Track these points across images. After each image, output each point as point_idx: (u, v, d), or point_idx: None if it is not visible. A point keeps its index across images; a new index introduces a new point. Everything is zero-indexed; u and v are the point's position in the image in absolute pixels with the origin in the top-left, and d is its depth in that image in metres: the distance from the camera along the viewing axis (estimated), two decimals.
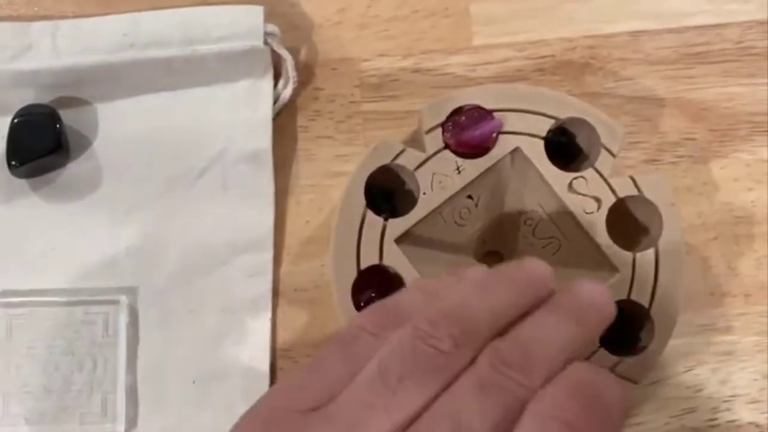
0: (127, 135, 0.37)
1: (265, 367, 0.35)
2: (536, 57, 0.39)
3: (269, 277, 0.36)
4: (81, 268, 0.36)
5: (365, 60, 0.38)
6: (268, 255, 0.36)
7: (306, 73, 0.38)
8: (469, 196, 0.34)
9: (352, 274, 0.32)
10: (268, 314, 0.36)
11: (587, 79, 0.39)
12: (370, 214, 0.33)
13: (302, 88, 0.38)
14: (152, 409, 0.35)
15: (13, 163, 0.35)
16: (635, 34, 0.39)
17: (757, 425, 0.36)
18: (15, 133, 0.35)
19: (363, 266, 0.32)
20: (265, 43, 0.36)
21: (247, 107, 0.37)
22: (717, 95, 0.39)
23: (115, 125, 0.37)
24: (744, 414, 0.36)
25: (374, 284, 0.33)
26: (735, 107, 0.39)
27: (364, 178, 0.33)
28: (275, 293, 0.36)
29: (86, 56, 0.36)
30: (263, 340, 0.36)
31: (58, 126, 0.35)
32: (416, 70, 0.38)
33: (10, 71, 0.36)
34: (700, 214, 0.38)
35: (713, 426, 0.36)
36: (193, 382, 0.35)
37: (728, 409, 0.36)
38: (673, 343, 0.33)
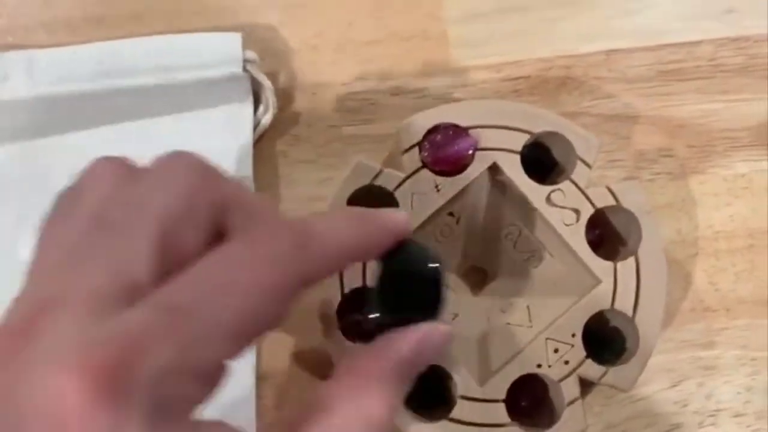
0: None
1: (251, 390, 0.35)
2: (513, 78, 0.39)
3: None
4: None
5: (344, 83, 0.39)
6: None
7: (285, 98, 0.38)
8: (450, 213, 0.34)
9: (336, 298, 0.32)
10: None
11: (564, 98, 0.39)
12: None
13: (282, 113, 0.38)
14: None
15: None
16: (610, 53, 0.40)
17: None
18: None
19: (347, 289, 0.32)
20: (244, 69, 0.36)
21: (227, 134, 0.37)
22: (693, 112, 0.39)
23: (94, 153, 0.37)
24: (729, 428, 0.36)
25: (358, 307, 0.33)
26: (711, 123, 0.39)
27: (345, 199, 0.33)
28: None
29: (62, 85, 0.36)
30: (248, 364, 0.36)
31: None
32: (395, 93, 0.39)
33: None
34: (680, 231, 0.38)
35: None
36: None
37: (713, 424, 0.36)
38: (656, 359, 0.33)
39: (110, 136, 0.37)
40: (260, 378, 0.35)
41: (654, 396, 0.36)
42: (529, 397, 0.33)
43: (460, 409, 0.32)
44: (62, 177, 0.24)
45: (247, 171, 0.37)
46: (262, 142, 0.38)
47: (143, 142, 0.37)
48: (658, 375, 0.36)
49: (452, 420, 0.32)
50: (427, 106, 0.38)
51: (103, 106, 0.36)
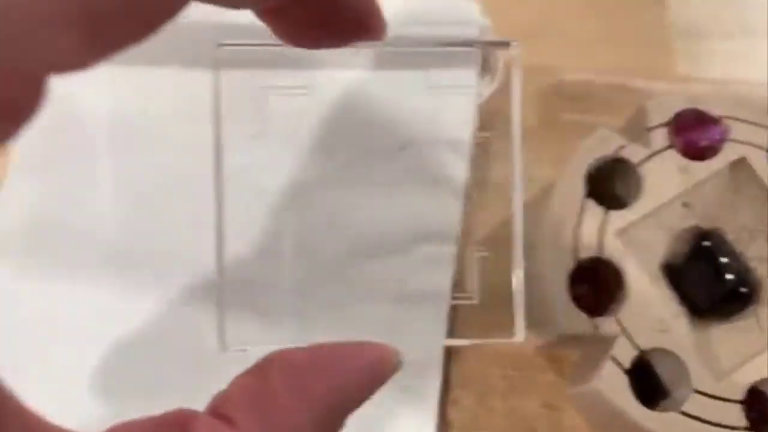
0: (329, 108, 0.35)
1: (437, 363, 0.33)
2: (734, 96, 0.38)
3: (450, 272, 0.34)
4: None
5: (564, 70, 0.38)
6: (452, 248, 0.34)
7: (505, 75, 0.37)
8: (684, 204, 0.33)
9: (568, 265, 0.30)
10: (445, 309, 0.33)
11: None
12: (589, 203, 0.31)
13: (503, 87, 0.37)
14: None
15: None
16: None
17: None
18: None
19: (581, 257, 0.30)
20: (479, 35, 0.36)
21: (451, 95, 0.36)
22: None
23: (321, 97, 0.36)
24: None
25: (592, 278, 0.30)
26: None
27: (585, 166, 0.31)
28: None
29: None
30: (437, 336, 0.33)
31: None
32: (615, 89, 0.38)
33: None
34: None
35: None
36: None
37: None
38: None
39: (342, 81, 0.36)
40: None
41: None
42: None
43: (693, 404, 0.29)
44: None
45: (467, 135, 0.35)
46: (479, 112, 0.36)
47: (360, 94, 0.36)
48: None
49: (684, 414, 0.29)
50: None
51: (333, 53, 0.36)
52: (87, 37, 0.13)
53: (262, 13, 0.18)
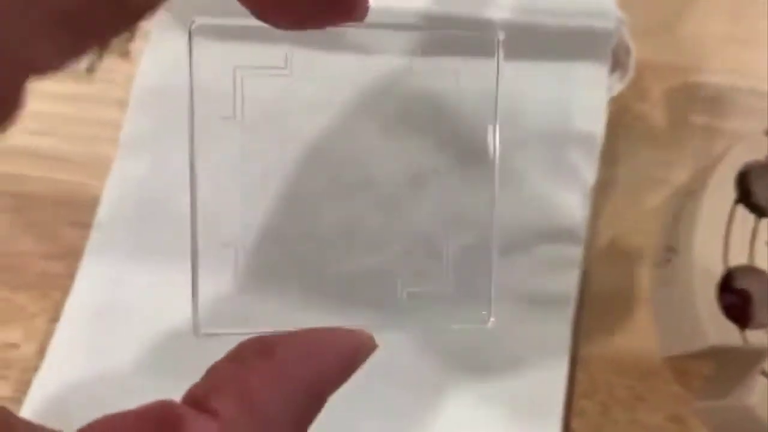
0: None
1: (562, 371, 0.31)
2: None
3: (577, 274, 0.32)
4: None
5: (701, 72, 0.36)
6: (579, 249, 0.33)
7: (638, 70, 0.36)
8: None
9: (717, 274, 0.29)
10: (571, 314, 0.32)
11: None
12: (740, 210, 0.29)
13: (633, 85, 0.35)
14: None
15: None
16: None
17: None
18: None
19: (731, 265, 0.29)
20: (614, 29, 0.34)
21: (583, 89, 0.34)
22: None
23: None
24: None
25: (743, 288, 0.29)
26: None
27: (735, 170, 0.30)
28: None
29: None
30: (562, 342, 0.31)
31: None
32: (753, 94, 0.36)
33: None
34: None
35: None
36: None
37: None
38: None
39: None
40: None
41: None
42: None
43: None
44: None
45: (598, 129, 0.33)
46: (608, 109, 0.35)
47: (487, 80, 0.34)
48: None
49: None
50: None
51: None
52: (64, 38, 0.12)
53: None
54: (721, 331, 0.28)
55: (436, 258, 0.28)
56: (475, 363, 0.32)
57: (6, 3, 0.11)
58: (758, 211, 0.29)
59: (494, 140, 0.24)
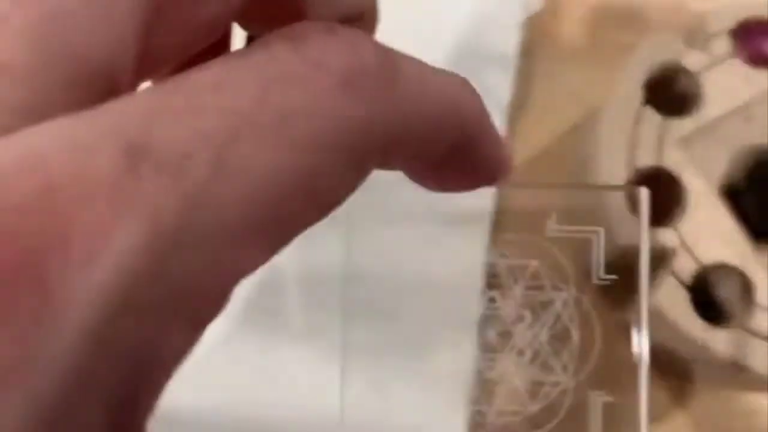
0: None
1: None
2: None
3: (489, 195, 0.32)
4: None
5: None
6: None
7: None
8: (746, 118, 0.31)
9: (622, 175, 0.28)
10: (485, 235, 0.31)
11: None
12: (647, 111, 0.29)
13: (550, 3, 0.35)
14: None
15: None
16: None
17: None
18: None
19: (639, 166, 0.28)
20: None
21: (497, 6, 0.34)
22: None
23: None
24: None
25: (650, 188, 0.28)
26: None
27: (643, 72, 0.29)
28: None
29: None
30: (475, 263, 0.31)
31: None
32: (672, 9, 0.35)
33: None
34: None
35: None
36: None
37: None
38: None
39: None
40: None
41: None
42: None
43: (759, 321, 0.27)
44: None
45: (511, 50, 0.33)
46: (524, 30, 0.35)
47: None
48: None
49: (749, 332, 0.27)
50: None
51: None
52: (274, 242, 0.12)
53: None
54: (630, 230, 0.28)
55: None
56: None
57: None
58: (665, 112, 0.29)
59: None
